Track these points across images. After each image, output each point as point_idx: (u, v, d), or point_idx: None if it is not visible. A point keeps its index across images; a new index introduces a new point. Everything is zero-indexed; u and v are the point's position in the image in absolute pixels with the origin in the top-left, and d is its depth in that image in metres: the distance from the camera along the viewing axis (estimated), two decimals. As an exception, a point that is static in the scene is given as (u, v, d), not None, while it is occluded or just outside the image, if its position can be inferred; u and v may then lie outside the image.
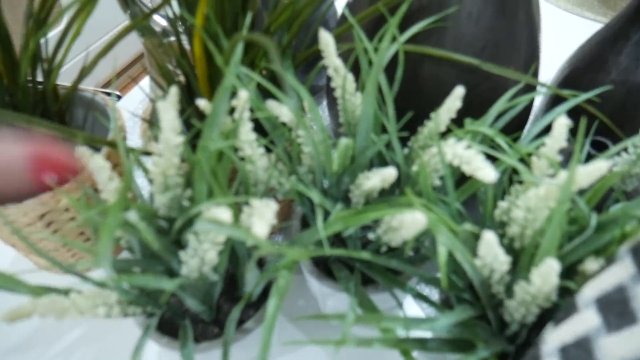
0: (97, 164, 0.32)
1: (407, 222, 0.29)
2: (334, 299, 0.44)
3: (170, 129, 0.29)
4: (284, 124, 0.39)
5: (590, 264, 0.30)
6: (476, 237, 0.37)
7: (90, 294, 0.32)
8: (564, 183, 0.28)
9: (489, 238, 0.29)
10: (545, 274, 0.28)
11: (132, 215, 0.30)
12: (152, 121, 0.43)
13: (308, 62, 0.62)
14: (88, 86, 0.48)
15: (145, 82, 0.77)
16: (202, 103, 0.35)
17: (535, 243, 0.32)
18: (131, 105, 0.73)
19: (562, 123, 0.32)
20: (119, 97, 0.78)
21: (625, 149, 0.39)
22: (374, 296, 0.41)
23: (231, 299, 0.42)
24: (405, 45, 0.38)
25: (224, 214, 0.26)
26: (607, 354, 0.24)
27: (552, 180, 0.30)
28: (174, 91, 0.33)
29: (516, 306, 0.32)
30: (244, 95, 0.31)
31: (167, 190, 0.34)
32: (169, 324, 0.40)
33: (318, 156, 0.37)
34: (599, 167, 0.28)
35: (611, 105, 0.49)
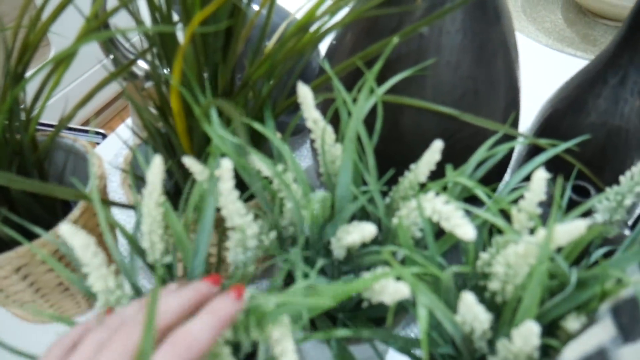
0: (81, 241, 0.31)
1: (390, 289, 0.29)
2: (314, 348, 0.44)
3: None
4: (265, 177, 0.39)
5: (572, 323, 0.30)
6: (459, 287, 0.37)
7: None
8: (542, 242, 0.28)
9: (468, 299, 0.29)
10: (526, 336, 0.28)
11: None
12: (133, 172, 0.42)
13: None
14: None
15: (121, 129, 0.76)
16: (187, 161, 0.34)
17: (516, 298, 0.31)
18: (114, 149, 0.72)
19: (540, 177, 0.32)
20: (104, 136, 0.78)
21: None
22: (356, 347, 0.41)
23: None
24: (384, 95, 0.38)
25: None
26: None
27: (531, 239, 0.29)
28: (158, 161, 0.32)
29: (499, 363, 0.31)
30: (227, 165, 0.30)
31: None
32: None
33: (299, 211, 0.37)
34: (577, 226, 0.28)
35: (591, 148, 0.50)
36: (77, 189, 0.37)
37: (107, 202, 0.38)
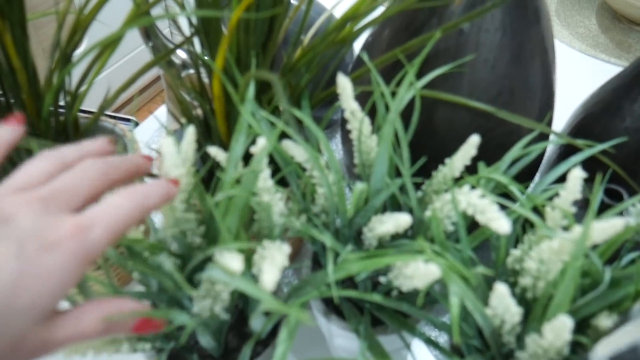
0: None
1: (421, 272, 0.29)
2: (342, 338, 0.44)
3: (173, 165, 0.31)
4: (298, 163, 0.40)
5: (604, 320, 0.30)
6: (489, 283, 0.37)
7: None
8: (578, 238, 0.28)
9: (501, 290, 0.29)
10: (558, 330, 0.28)
11: (165, 261, 0.31)
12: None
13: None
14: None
15: (161, 110, 0.78)
16: (213, 150, 0.35)
17: (548, 295, 0.32)
18: (148, 134, 0.74)
19: (576, 175, 0.32)
20: (137, 124, 0.80)
21: (640, 200, 0.39)
22: (383, 337, 0.41)
23: (240, 334, 0.42)
24: (422, 90, 0.39)
25: (235, 263, 0.26)
26: (620, 418, 0.24)
27: (566, 235, 0.30)
28: (191, 130, 0.33)
29: (527, 358, 0.31)
30: (262, 144, 0.31)
31: (176, 226, 0.34)
32: (178, 358, 0.40)
33: (332, 197, 0.37)
34: (614, 224, 0.28)
35: (625, 153, 0.49)
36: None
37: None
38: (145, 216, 0.27)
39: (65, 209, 0.25)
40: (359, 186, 0.35)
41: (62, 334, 0.24)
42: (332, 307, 0.43)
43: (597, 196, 0.31)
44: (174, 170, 0.33)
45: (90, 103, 0.49)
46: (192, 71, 0.57)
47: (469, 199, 0.32)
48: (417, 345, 0.53)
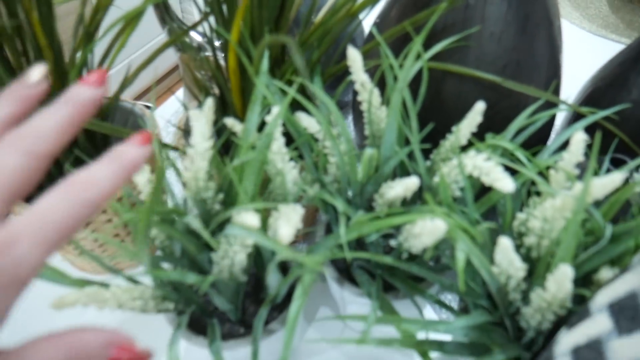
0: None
1: (428, 228, 0.31)
2: (355, 305, 0.46)
3: (201, 135, 0.32)
4: (311, 135, 0.41)
5: (605, 273, 0.31)
6: (494, 243, 0.39)
7: (128, 288, 0.34)
8: (579, 194, 0.30)
9: (505, 244, 0.31)
10: (560, 280, 0.29)
11: (192, 221, 0.32)
12: (186, 130, 0.45)
13: (336, 77, 0.64)
14: (126, 95, 0.51)
15: (181, 92, 0.81)
16: (230, 121, 0.37)
17: (551, 252, 0.33)
18: (167, 115, 0.76)
19: (578, 138, 0.34)
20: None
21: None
22: (395, 303, 0.43)
23: (256, 301, 0.44)
24: (429, 62, 0.40)
25: (252, 219, 0.28)
26: (617, 355, 0.25)
27: (568, 192, 0.31)
28: (209, 102, 0.35)
29: (532, 313, 0.33)
30: (276, 112, 0.33)
31: (198, 194, 0.36)
32: (197, 323, 0.42)
33: (343, 166, 0.39)
34: (613, 179, 0.29)
35: (631, 124, 0.50)
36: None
37: (165, 146, 0.42)
38: (93, 211, 0.21)
39: None
40: (369, 151, 0.36)
41: None
42: (345, 275, 0.45)
43: (598, 155, 0.32)
44: (203, 142, 0.34)
45: (112, 88, 0.50)
46: (208, 53, 0.59)
47: (475, 162, 0.34)
48: (428, 316, 0.54)
